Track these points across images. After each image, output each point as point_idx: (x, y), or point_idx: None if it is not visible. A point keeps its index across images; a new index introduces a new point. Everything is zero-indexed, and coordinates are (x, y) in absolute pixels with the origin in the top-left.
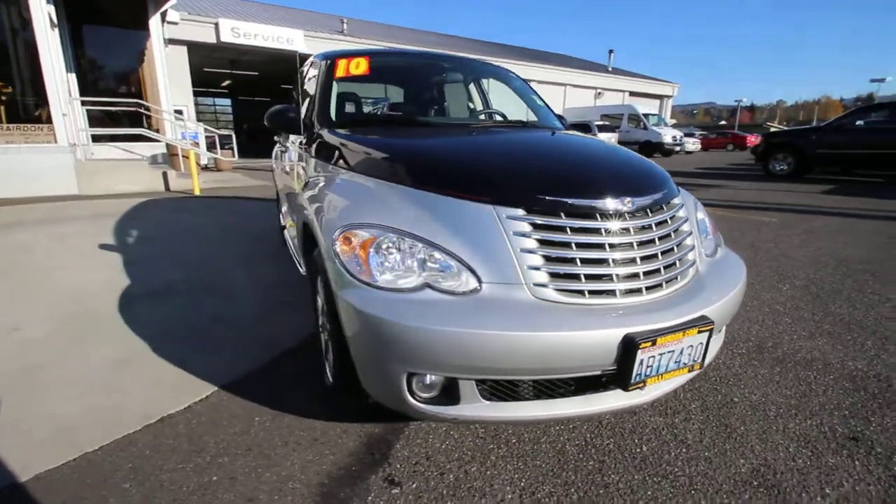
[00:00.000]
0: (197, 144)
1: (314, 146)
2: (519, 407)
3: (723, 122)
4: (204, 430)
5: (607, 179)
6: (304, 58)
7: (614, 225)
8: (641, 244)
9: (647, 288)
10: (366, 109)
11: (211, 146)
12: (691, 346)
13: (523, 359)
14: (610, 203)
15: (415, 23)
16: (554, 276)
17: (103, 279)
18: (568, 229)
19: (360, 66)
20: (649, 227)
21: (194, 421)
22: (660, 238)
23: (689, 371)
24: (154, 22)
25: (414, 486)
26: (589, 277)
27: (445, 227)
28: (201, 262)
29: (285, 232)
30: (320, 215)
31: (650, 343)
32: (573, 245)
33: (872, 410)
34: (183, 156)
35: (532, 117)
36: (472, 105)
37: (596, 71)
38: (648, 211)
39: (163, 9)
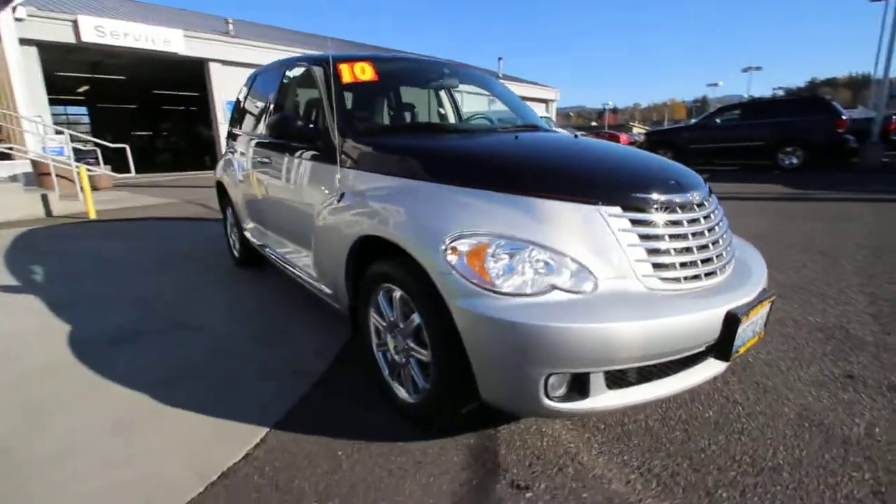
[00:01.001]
0: (69, 158)
1: (343, 155)
2: (637, 391)
3: (594, 123)
4: (287, 476)
5: (674, 176)
6: (186, 60)
7: (688, 216)
8: (709, 231)
9: (720, 270)
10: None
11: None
12: (762, 316)
13: (656, 344)
14: (683, 197)
15: (302, 27)
16: (655, 266)
17: (32, 328)
18: (660, 222)
19: (366, 72)
20: (709, 216)
21: (267, 468)
22: (717, 226)
23: (758, 338)
24: (5, 18)
25: (542, 486)
26: (681, 265)
27: (552, 230)
28: (151, 297)
29: (266, 250)
30: (404, 226)
31: (746, 316)
32: (666, 237)
33: (847, 353)
34: (57, 175)
35: (529, 119)
36: (474, 109)
37: None
38: (705, 203)
39: (14, 3)
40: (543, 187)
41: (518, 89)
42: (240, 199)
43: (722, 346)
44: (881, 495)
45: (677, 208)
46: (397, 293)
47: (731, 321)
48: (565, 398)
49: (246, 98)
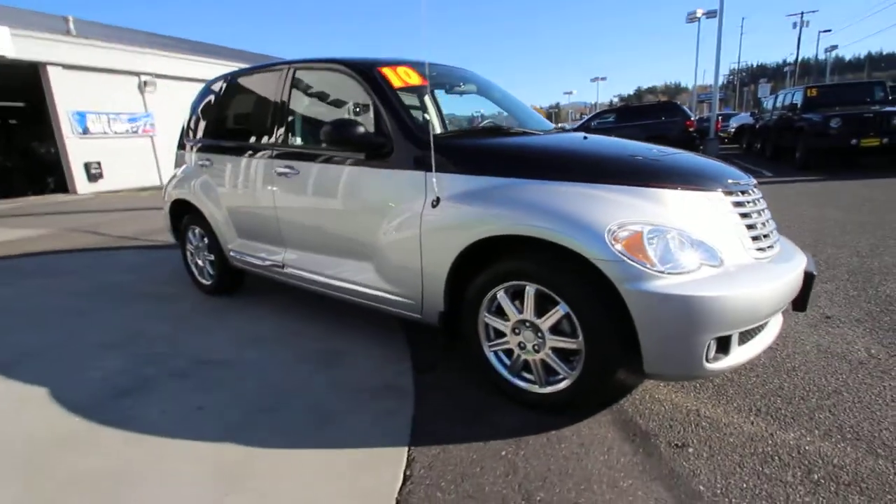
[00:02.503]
0: None
1: (434, 158)
2: (753, 345)
3: None
4: (472, 485)
5: (732, 167)
6: (14, 64)
7: (755, 197)
8: (765, 210)
9: (777, 242)
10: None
11: None
12: None
13: (780, 300)
14: (749, 181)
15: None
16: (753, 239)
17: None
18: (746, 203)
19: (411, 77)
20: (761, 198)
21: (441, 482)
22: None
23: None
24: None
25: (695, 440)
26: (763, 237)
27: (683, 215)
28: (122, 340)
29: (286, 269)
30: (557, 221)
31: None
32: (752, 215)
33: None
34: None
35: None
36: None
37: None
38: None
39: None
40: (666, 180)
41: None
42: (224, 217)
43: (803, 299)
44: None
45: (750, 191)
46: (531, 289)
47: (810, 278)
48: (715, 359)
49: (220, 106)
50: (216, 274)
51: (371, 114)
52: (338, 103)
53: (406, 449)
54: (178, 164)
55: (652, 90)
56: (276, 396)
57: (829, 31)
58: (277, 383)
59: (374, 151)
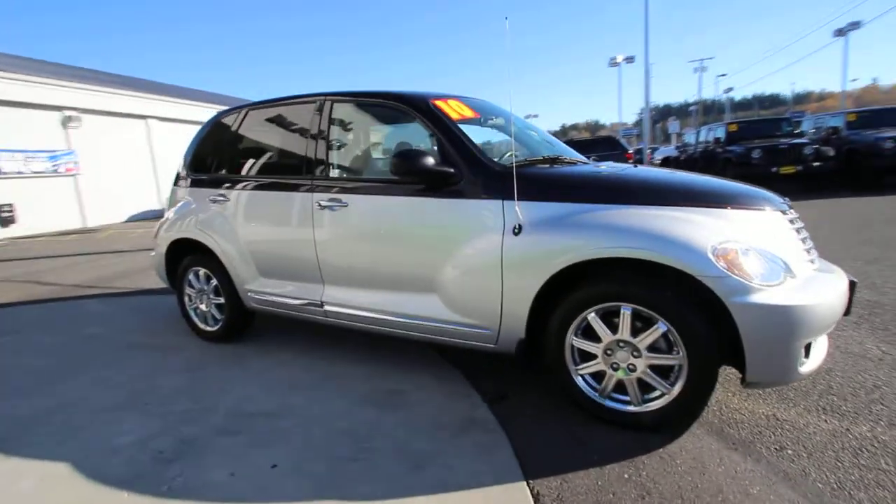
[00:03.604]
0: None
1: (510, 188)
2: (820, 348)
3: None
4: None
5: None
6: None
7: (796, 215)
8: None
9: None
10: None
11: None
12: None
13: (843, 306)
14: (788, 201)
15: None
16: (806, 251)
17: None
18: (794, 220)
19: (464, 110)
20: None
21: None
22: None
23: None
24: None
25: (789, 442)
26: (811, 250)
27: (758, 232)
28: (129, 399)
29: (325, 307)
30: (662, 242)
31: None
32: (799, 230)
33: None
34: None
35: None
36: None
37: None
38: None
39: None
40: (738, 202)
41: None
42: (241, 255)
43: (849, 304)
44: None
45: (792, 210)
46: (627, 309)
47: (853, 285)
48: (802, 363)
49: (237, 139)
50: (225, 318)
51: (433, 145)
52: (384, 135)
53: (524, 483)
54: (172, 203)
55: (575, 127)
56: (353, 443)
57: (725, 75)
58: (346, 429)
59: (444, 181)
